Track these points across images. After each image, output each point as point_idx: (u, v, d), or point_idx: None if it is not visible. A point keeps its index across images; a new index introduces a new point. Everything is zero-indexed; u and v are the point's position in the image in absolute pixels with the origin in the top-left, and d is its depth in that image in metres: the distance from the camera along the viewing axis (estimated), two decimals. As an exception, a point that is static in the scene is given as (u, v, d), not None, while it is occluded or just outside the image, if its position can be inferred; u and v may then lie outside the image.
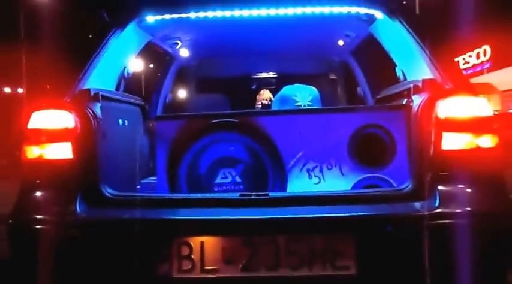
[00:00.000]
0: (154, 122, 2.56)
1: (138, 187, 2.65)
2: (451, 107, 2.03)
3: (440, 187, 1.98)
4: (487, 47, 26.08)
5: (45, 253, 1.91)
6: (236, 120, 2.38)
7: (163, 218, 2.02)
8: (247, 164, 2.38)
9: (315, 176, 2.41)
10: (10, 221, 2.02)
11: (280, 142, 2.37)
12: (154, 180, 2.54)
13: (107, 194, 2.13)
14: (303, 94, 2.88)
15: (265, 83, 4.60)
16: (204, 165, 2.41)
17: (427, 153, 2.03)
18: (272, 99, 3.82)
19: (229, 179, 2.40)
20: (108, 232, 1.99)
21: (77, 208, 2.04)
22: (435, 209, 1.93)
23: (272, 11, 2.68)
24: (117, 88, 2.82)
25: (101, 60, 2.44)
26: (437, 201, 1.95)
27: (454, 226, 1.87)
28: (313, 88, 2.95)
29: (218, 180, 2.40)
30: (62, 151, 2.08)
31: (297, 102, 2.84)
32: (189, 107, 4.07)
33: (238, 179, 2.40)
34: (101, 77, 2.47)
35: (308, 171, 2.40)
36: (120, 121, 2.65)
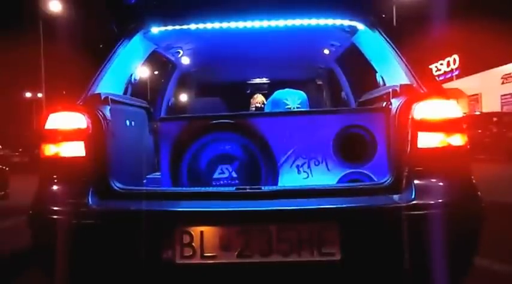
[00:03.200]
0: (159, 123, 2.55)
1: (144, 181, 2.64)
2: (425, 109, 2.02)
3: (415, 181, 1.97)
4: (456, 56, 26.41)
5: (61, 240, 1.91)
6: (232, 121, 2.35)
7: (167, 209, 2.01)
8: (243, 161, 2.36)
9: (304, 171, 2.40)
10: (30, 211, 2.02)
11: (272, 141, 2.35)
12: (158, 175, 2.54)
13: (116, 188, 2.11)
14: (293, 98, 2.87)
15: (258, 88, 4.60)
16: (203, 162, 2.39)
17: (404, 150, 2.03)
18: (265, 102, 3.80)
19: (226, 174, 2.38)
20: (117, 222, 1.98)
21: (89, 200, 2.03)
22: (411, 201, 1.92)
23: (265, 23, 2.68)
24: (125, 93, 2.81)
25: (110, 67, 2.42)
26: (413, 193, 1.94)
27: (428, 216, 1.87)
28: (302, 92, 2.94)
29: (216, 175, 2.38)
30: (75, 149, 2.08)
31: (288, 105, 2.83)
32: (190, 109, 3.99)
33: (234, 174, 2.37)
34: (110, 82, 2.46)
35: (297, 166, 2.38)
36: (128, 122, 2.64)
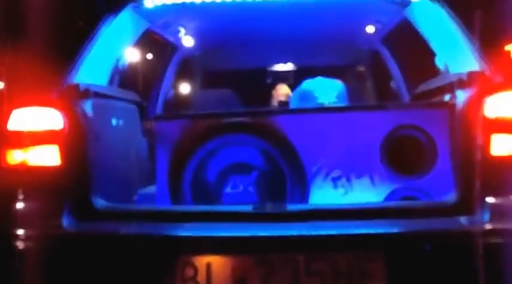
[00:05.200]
0: (154, 122, 2.62)
1: (135, 198, 2.69)
2: (501, 104, 2.01)
3: (489, 200, 1.97)
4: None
5: (29, 273, 1.94)
6: (249, 120, 2.41)
7: (164, 234, 2.04)
8: (262, 171, 2.42)
9: (342, 186, 2.43)
10: None
11: (300, 146, 2.39)
12: (154, 189, 2.58)
13: (99, 206, 2.15)
14: (327, 90, 2.91)
15: (282, 77, 4.59)
16: (211, 173, 2.45)
17: (473, 159, 2.01)
18: (290, 95, 3.81)
19: (241, 189, 2.45)
20: (101, 249, 2.00)
21: (64, 221, 2.07)
22: (484, 225, 1.92)
23: None
24: (111, 83, 2.85)
25: (92, 51, 2.47)
26: (487, 215, 1.94)
27: (506, 245, 1.86)
28: (339, 82, 2.97)
29: (228, 190, 2.45)
30: (47, 156, 2.10)
31: (320, 98, 2.88)
32: (194, 105, 4.00)
33: (251, 189, 2.45)
34: (92, 70, 2.50)
35: (333, 180, 2.43)
36: (114, 121, 2.68)
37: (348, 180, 2.43)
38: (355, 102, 3.18)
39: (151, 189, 2.71)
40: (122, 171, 2.64)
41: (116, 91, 2.85)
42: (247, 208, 2.13)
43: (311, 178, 2.42)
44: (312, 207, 2.24)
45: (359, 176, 2.43)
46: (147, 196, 2.71)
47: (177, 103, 4.22)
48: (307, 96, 2.91)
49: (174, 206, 2.39)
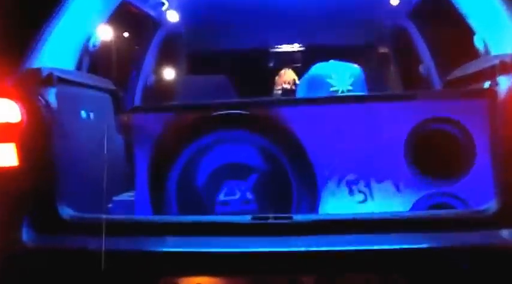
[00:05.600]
0: (132, 115, 2.61)
1: (110, 206, 2.69)
2: None
3: None
4: None
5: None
6: (246, 113, 2.42)
7: (144, 250, 2.06)
8: (263, 174, 2.45)
9: (360, 192, 2.46)
10: None
11: (309, 143, 2.41)
12: (131, 196, 2.61)
13: (66, 216, 2.18)
14: (342, 75, 2.87)
15: (287, 60, 4.54)
16: (201, 176, 2.48)
17: None
18: (297, 82, 3.81)
19: (237, 195, 2.46)
20: (67, 268, 2.04)
21: (24, 235, 2.10)
22: None
23: None
24: (79, 68, 2.87)
25: (56, 28, 2.49)
26: None
27: None
28: (356, 66, 2.95)
29: (222, 197, 2.46)
30: (2, 156, 2.12)
31: (333, 86, 2.84)
32: (180, 94, 3.87)
33: (249, 195, 2.46)
34: (56, 52, 2.52)
35: (349, 184, 2.46)
36: (84, 114, 2.69)
37: (367, 184, 2.45)
38: (375, 90, 3.16)
39: (129, 196, 2.74)
40: (93, 174, 2.59)
41: (86, 78, 2.87)
42: (245, 218, 2.16)
43: (322, 183, 2.43)
44: (323, 218, 2.26)
45: (380, 180, 2.44)
46: (123, 204, 2.72)
47: (159, 92, 4.18)
48: (317, 83, 2.87)
49: (155, 216, 2.41)
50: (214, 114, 2.46)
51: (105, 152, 2.69)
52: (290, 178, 2.45)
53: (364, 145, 2.44)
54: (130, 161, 2.78)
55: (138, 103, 3.63)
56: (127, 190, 2.90)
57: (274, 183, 2.46)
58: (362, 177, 2.45)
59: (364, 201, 2.47)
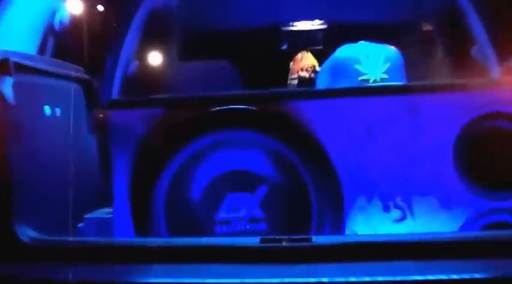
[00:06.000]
0: (110, 111, 2.50)
1: (81, 225, 2.59)
2: None
3: None
4: None
5: None
6: (254, 108, 2.31)
7: (126, 281, 1.91)
8: (275, 186, 2.34)
9: (396, 208, 2.32)
10: None
11: (333, 147, 2.30)
12: (108, 213, 2.51)
13: (26, 238, 2.03)
14: (374, 60, 2.68)
15: (304, 41, 4.18)
16: (197, 187, 2.37)
17: None
18: (318, 68, 3.57)
19: (242, 212, 2.33)
20: None
21: None
22: None
23: None
24: (42, 52, 2.75)
25: (12, 4, 2.38)
26: None
27: None
28: (392, 48, 2.78)
29: (223, 214, 2.33)
30: None
31: (363, 73, 2.65)
32: (171, 84, 3.56)
33: (257, 212, 2.32)
34: (12, 32, 2.43)
35: (383, 198, 2.32)
36: (48, 110, 2.54)
37: (406, 199, 2.31)
38: (416, 79, 2.92)
39: (106, 213, 2.64)
40: (60, 185, 2.44)
41: (51, 64, 2.71)
42: (252, 241, 2.00)
43: (349, 196, 2.33)
44: (350, 240, 2.11)
45: (422, 193, 2.30)
46: (98, 223, 2.60)
47: (144, 82, 3.77)
48: (343, 70, 2.68)
49: (139, 238, 2.30)
50: (214, 110, 2.33)
51: (76, 158, 2.56)
52: (309, 191, 2.31)
53: (402, 150, 2.32)
54: (107, 169, 2.60)
55: (117, 96, 3.27)
56: (103, 206, 2.76)
57: (289, 196, 2.33)
58: (399, 190, 2.33)
59: (402, 219, 2.32)
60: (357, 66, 2.67)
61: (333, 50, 2.84)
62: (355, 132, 2.36)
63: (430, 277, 1.82)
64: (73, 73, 2.95)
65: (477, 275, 1.81)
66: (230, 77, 3.12)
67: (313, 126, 2.34)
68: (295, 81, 3.66)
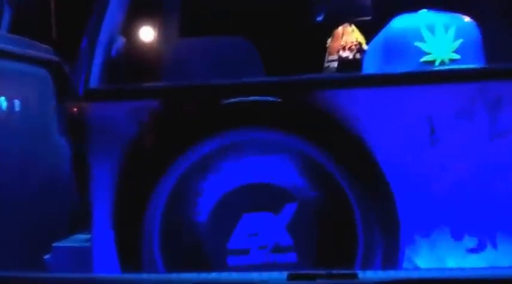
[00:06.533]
0: (86, 104, 2.21)
1: (47, 256, 2.31)
2: None
3: None
4: None
5: None
6: (278, 100, 2.06)
7: None
8: (306, 203, 2.10)
9: (471, 234, 2.09)
10: None
11: (384, 152, 2.07)
12: (85, 241, 2.25)
13: None
14: (441, 35, 2.37)
15: (346, 10, 3.65)
16: (203, 206, 2.12)
17: None
18: (365, 47, 3.16)
19: (264, 238, 2.09)
20: None
21: None
22: None
23: None
24: None
25: None
26: None
27: None
28: (466, 18, 2.46)
29: (238, 241, 2.09)
30: None
31: (427, 53, 2.34)
32: (169, 68, 3.20)
33: (284, 238, 2.09)
34: None
35: (453, 221, 2.11)
36: (3, 102, 2.37)
37: (485, 222, 2.06)
38: (498, 60, 2.48)
39: (81, 240, 2.37)
40: (20, 202, 2.32)
41: (7, 41, 2.52)
42: (277, 277, 1.67)
43: (407, 219, 2.06)
44: (409, 276, 1.73)
45: (508, 214, 2.06)
46: (71, 254, 2.32)
47: (132, 65, 3.27)
48: (399, 48, 2.36)
49: (126, 275, 2.04)
50: (226, 102, 2.05)
51: (41, 167, 2.46)
52: (353, 210, 2.03)
53: (477, 156, 2.09)
54: (83, 182, 2.25)
55: (97, 84, 2.66)
56: (77, 231, 2.48)
57: (326, 217, 2.07)
58: (475, 210, 2.07)
59: (480, 248, 2.06)
60: (418, 44, 2.37)
61: (386, 21, 2.55)
62: (415, 133, 2.09)
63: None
64: (38, 54, 2.76)
65: None
66: (247, 59, 2.72)
67: (359, 124, 2.07)
68: (335, 64, 3.25)
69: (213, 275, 1.87)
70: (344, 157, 2.06)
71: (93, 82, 2.86)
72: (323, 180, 2.08)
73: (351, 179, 2.06)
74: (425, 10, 2.48)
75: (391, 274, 1.89)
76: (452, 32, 2.38)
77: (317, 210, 2.09)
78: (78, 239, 2.43)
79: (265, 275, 1.80)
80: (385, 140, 2.10)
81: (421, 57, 2.36)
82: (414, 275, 1.90)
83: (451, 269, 2.05)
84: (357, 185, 2.07)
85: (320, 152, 2.05)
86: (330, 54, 3.19)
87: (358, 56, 3.05)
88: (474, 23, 2.50)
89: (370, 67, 2.64)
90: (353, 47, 3.08)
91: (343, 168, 2.05)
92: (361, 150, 2.05)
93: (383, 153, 2.09)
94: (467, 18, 2.50)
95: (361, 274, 1.68)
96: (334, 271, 1.66)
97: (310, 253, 2.07)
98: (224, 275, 1.91)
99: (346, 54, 3.08)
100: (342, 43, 3.14)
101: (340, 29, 3.25)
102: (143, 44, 4.08)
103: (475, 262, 2.09)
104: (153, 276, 2.02)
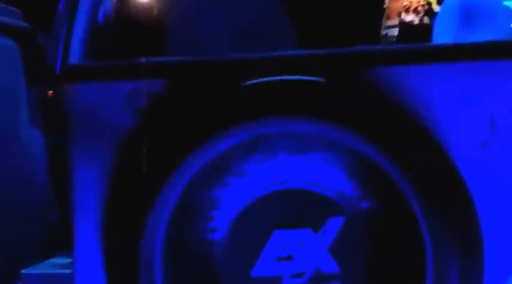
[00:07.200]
0: (66, 85, 1.93)
1: None
2: None
3: None
4: None
5: None
6: (320, 80, 1.80)
7: None
8: (358, 218, 1.85)
9: None
10: None
11: (465, 150, 1.77)
12: (63, 267, 2.04)
13: None
14: None
15: None
16: (220, 220, 1.86)
17: None
18: (436, 8, 2.85)
19: (301, 263, 1.83)
20: None
21: None
22: None
23: None
24: None
25: None
26: None
27: None
28: None
29: (266, 266, 1.83)
30: None
31: None
32: (173, 38, 2.99)
33: (328, 263, 1.82)
34: None
35: None
36: None
37: None
38: None
39: (57, 266, 2.15)
40: None
41: None
42: None
43: (492, 239, 1.79)
44: None
45: None
46: (44, 282, 2.12)
47: (125, 35, 2.90)
48: (482, 10, 2.14)
49: None
50: (249, 83, 1.79)
51: (6, 169, 2.26)
52: (421, 229, 1.77)
53: None
54: (62, 190, 2.04)
55: (79, 58, 2.45)
56: (53, 254, 2.27)
57: (385, 236, 1.83)
58: None
59: None
60: (509, 3, 2.17)
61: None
62: (504, 123, 1.79)
63: None
64: (2, 20, 2.51)
65: None
66: (277, 25, 2.51)
67: (430, 112, 1.75)
68: (395, 31, 2.95)
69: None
70: (413, 162, 1.76)
71: (74, 56, 2.47)
72: (380, 188, 1.81)
73: (417, 188, 1.75)
74: None
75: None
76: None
77: (371, 227, 1.82)
78: (54, 265, 2.18)
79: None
80: (466, 135, 1.79)
81: (507, 24, 2.17)
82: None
83: None
84: (427, 196, 1.75)
85: (377, 151, 1.77)
86: (389, 18, 2.86)
87: (426, 20, 2.72)
88: None
89: (443, 35, 2.33)
90: (419, 8, 2.75)
91: (409, 173, 1.75)
92: (436, 153, 1.75)
93: (463, 153, 1.76)
94: None
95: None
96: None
97: (361, 282, 1.82)
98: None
99: (410, 17, 2.76)
100: (405, 3, 2.83)
101: None
102: (140, 6, 3.72)
103: None
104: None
